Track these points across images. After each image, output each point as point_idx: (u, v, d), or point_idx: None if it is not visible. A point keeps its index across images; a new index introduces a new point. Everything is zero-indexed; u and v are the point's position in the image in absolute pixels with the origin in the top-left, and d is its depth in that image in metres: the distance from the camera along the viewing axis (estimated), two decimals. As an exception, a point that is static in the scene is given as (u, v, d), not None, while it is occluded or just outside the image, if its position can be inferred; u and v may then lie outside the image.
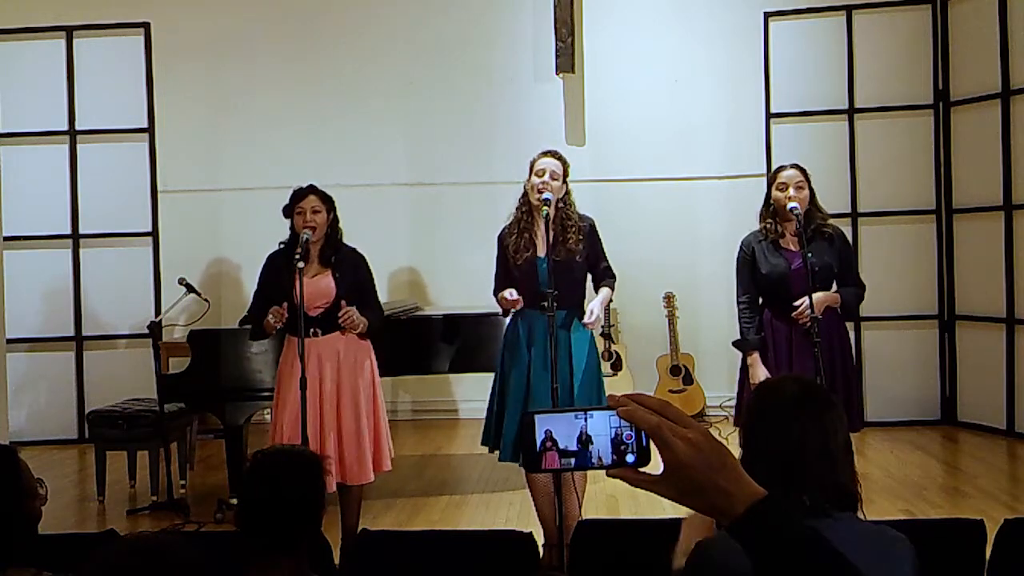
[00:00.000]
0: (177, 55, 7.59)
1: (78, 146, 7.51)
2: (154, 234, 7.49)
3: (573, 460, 1.06)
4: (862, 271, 7.16)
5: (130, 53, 7.51)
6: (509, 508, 5.18)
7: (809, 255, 4.06)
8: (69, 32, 7.49)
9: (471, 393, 7.32)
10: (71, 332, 7.46)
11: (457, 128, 7.72)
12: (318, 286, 4.29)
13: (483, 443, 4.25)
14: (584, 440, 1.05)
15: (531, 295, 4.04)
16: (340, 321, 4.25)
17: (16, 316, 6.70)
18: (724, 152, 7.56)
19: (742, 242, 4.33)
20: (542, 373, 3.98)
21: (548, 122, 7.73)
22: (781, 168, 4.26)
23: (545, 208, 3.96)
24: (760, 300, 4.30)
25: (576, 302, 4.13)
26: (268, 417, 5.97)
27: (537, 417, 1.06)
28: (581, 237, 4.07)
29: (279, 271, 4.33)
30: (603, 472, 1.07)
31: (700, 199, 7.65)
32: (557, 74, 7.67)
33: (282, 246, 4.43)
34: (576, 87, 7.75)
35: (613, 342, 7.30)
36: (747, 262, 4.28)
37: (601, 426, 1.05)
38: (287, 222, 4.41)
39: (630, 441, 1.05)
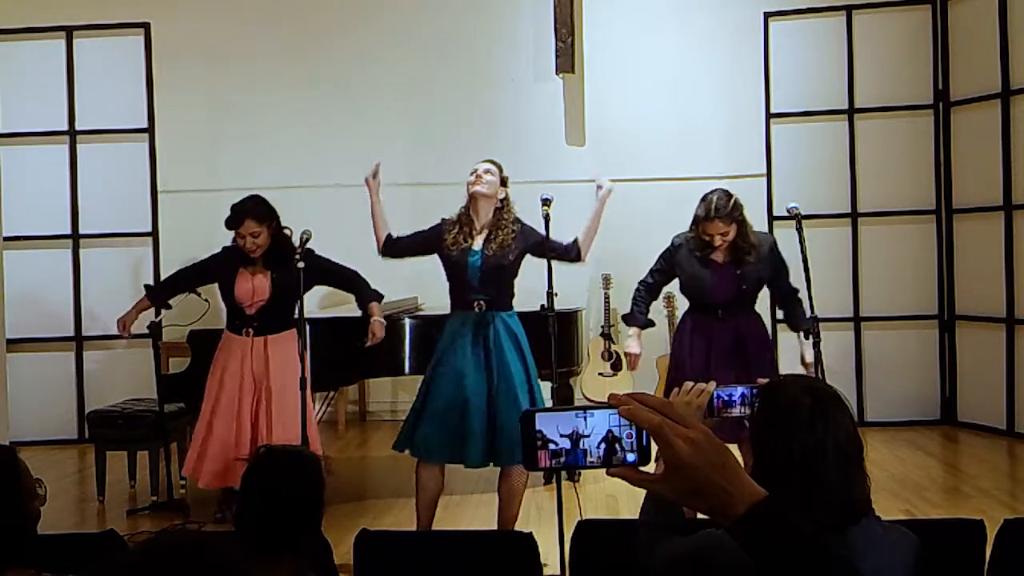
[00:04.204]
0: (177, 55, 7.58)
1: (78, 146, 7.50)
2: (154, 234, 7.50)
3: (563, 459, 1.06)
4: (862, 271, 7.28)
5: (130, 53, 7.51)
6: (509, 508, 5.17)
7: (740, 279, 4.22)
8: (69, 32, 7.49)
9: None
10: (71, 332, 7.46)
11: (457, 128, 7.71)
12: (256, 284, 4.37)
13: (394, 446, 4.21)
14: (575, 439, 1.05)
15: (460, 289, 4.14)
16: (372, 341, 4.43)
17: (16, 316, 6.70)
18: (724, 152, 7.56)
19: (674, 238, 4.42)
20: (475, 374, 4.01)
21: (548, 122, 7.73)
22: (708, 217, 4.18)
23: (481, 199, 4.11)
24: (659, 289, 4.51)
25: (504, 306, 4.16)
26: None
27: (537, 416, 1.06)
28: (513, 236, 4.12)
29: (227, 266, 4.43)
30: (603, 471, 1.07)
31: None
32: (557, 74, 7.67)
33: (234, 242, 4.53)
34: (576, 87, 7.75)
35: (613, 342, 7.30)
36: (668, 259, 4.40)
37: (599, 425, 1.05)
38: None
39: (631, 440, 1.05)
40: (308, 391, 4.51)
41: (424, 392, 4.14)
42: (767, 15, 7.39)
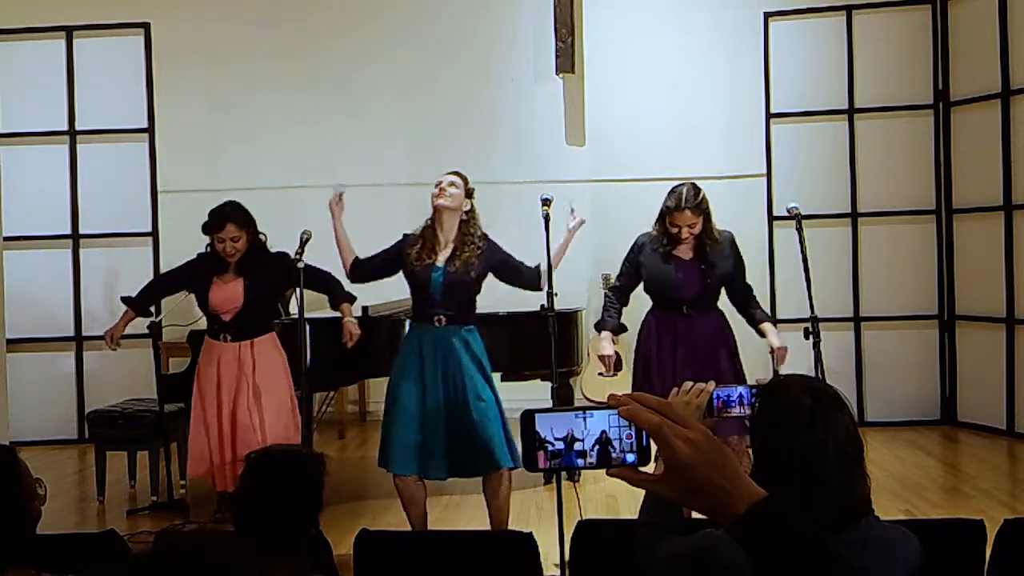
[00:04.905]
0: (177, 55, 7.58)
1: (78, 146, 7.50)
2: (154, 234, 7.50)
3: (559, 460, 1.06)
4: (862, 271, 7.28)
5: (130, 53, 7.51)
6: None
7: (706, 274, 4.18)
8: (69, 32, 7.49)
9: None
10: (71, 332, 7.46)
11: (457, 128, 7.71)
12: (230, 291, 4.37)
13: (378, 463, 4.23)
14: (569, 441, 1.05)
15: (423, 303, 4.14)
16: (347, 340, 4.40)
17: (16, 316, 6.70)
18: (724, 152, 7.56)
19: (638, 237, 4.38)
20: (433, 389, 4.05)
21: (548, 122, 7.73)
22: (678, 207, 4.14)
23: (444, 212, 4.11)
24: (628, 293, 4.44)
25: (466, 320, 4.17)
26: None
27: (537, 416, 1.06)
28: (479, 253, 4.11)
29: (202, 274, 4.43)
30: (603, 471, 1.07)
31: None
32: (557, 74, 7.67)
33: (209, 250, 4.52)
34: (576, 87, 7.75)
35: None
36: (633, 260, 4.35)
37: (596, 426, 1.05)
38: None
39: (630, 440, 1.05)
40: (292, 392, 4.52)
41: (388, 406, 4.18)
42: (767, 15, 7.39)
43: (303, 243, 4.30)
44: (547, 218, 4.05)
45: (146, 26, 7.49)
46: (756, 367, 4.57)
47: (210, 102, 7.75)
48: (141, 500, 5.41)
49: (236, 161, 7.71)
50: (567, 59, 7.59)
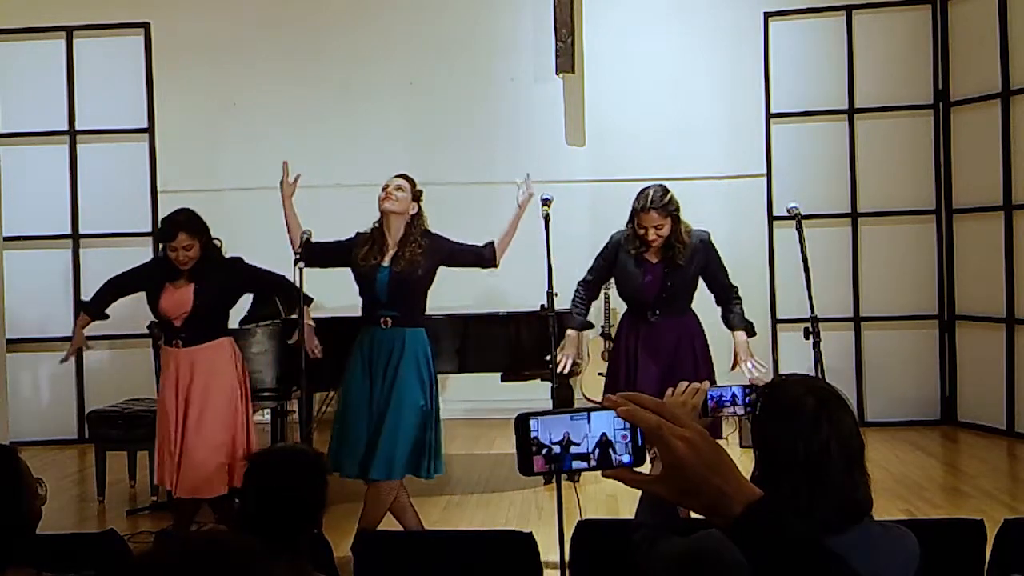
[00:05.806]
0: (177, 55, 7.59)
1: (78, 146, 7.51)
2: (154, 234, 7.49)
3: (555, 464, 1.05)
4: (862, 271, 7.28)
5: (130, 53, 7.51)
6: (509, 508, 5.19)
7: (667, 277, 4.16)
8: (69, 32, 7.49)
9: (469, 393, 7.30)
10: (71, 332, 7.44)
11: (457, 128, 7.71)
12: (179, 297, 4.35)
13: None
14: (565, 444, 1.04)
15: (370, 304, 4.17)
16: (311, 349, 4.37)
17: (16, 316, 6.70)
18: (724, 152, 7.56)
19: (613, 235, 4.37)
20: (369, 392, 4.07)
21: (548, 122, 7.73)
22: (644, 208, 4.14)
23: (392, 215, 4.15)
24: (598, 287, 4.44)
25: (413, 322, 4.18)
26: (267, 416, 5.99)
27: (532, 420, 1.05)
28: (420, 251, 4.13)
29: (154, 279, 4.43)
30: (600, 472, 1.06)
31: (700, 199, 7.60)
32: (557, 74, 7.67)
33: (163, 255, 4.50)
34: (576, 87, 7.75)
35: (613, 341, 7.30)
36: (608, 256, 4.33)
37: (595, 428, 1.04)
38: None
39: (625, 441, 1.04)
40: (248, 397, 4.49)
41: (338, 409, 4.24)
42: (767, 15, 7.39)
43: (303, 243, 4.29)
44: (547, 218, 4.05)
45: (146, 26, 7.49)
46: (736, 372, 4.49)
47: (210, 102, 7.75)
48: (141, 500, 5.41)
49: (236, 161, 7.71)
50: (567, 59, 7.59)
